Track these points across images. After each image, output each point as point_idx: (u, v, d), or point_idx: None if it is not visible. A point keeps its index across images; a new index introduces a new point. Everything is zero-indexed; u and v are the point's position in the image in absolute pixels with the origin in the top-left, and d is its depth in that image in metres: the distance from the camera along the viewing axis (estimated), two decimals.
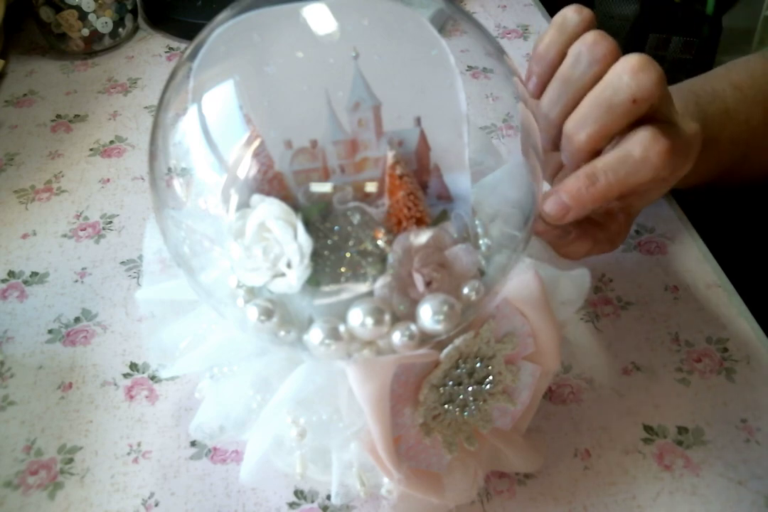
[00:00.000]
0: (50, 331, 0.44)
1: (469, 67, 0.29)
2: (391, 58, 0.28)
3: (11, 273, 0.48)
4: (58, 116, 0.62)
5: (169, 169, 0.29)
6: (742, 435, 0.38)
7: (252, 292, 0.28)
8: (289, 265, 0.26)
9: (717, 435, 0.38)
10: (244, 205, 0.27)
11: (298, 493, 0.36)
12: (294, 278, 0.26)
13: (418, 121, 0.27)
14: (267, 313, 0.27)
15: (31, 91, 0.65)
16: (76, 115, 0.62)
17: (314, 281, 0.26)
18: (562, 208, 0.33)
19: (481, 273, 0.28)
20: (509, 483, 0.36)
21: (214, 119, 0.27)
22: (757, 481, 0.36)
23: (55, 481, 0.37)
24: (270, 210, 0.26)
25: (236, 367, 0.31)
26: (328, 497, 0.36)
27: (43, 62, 0.69)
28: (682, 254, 0.47)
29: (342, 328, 0.26)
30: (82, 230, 0.51)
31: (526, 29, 0.70)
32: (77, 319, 0.45)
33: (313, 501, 0.36)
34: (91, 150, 0.58)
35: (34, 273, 0.48)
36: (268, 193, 0.27)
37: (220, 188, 0.27)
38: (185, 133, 0.28)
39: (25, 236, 0.51)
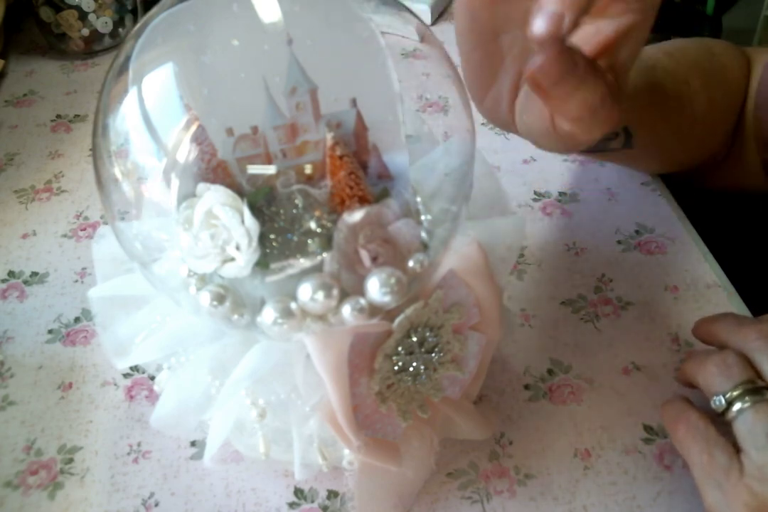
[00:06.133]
0: (50, 331, 0.45)
1: None
2: (324, 43, 0.28)
3: (11, 273, 0.48)
4: (58, 116, 0.62)
5: (114, 168, 0.29)
6: None
7: (203, 280, 0.29)
8: (238, 249, 0.27)
9: None
10: (190, 194, 0.27)
11: (298, 493, 0.36)
12: (243, 261, 0.27)
13: (354, 102, 0.28)
14: (219, 298, 0.28)
15: (31, 91, 0.65)
16: (76, 115, 0.62)
17: (263, 264, 0.27)
18: (555, 19, 0.27)
19: (425, 246, 0.29)
20: (509, 483, 0.36)
21: (155, 112, 0.28)
22: None
23: (55, 481, 0.37)
24: (216, 197, 0.27)
25: (192, 356, 0.32)
26: (328, 497, 0.36)
27: (43, 62, 0.69)
28: (682, 254, 0.47)
29: (293, 306, 0.27)
30: (82, 230, 0.51)
31: None
32: (77, 319, 0.45)
33: (313, 501, 0.36)
34: (91, 150, 0.58)
35: (34, 274, 0.48)
36: (213, 182, 0.27)
37: (164, 179, 0.28)
38: (125, 127, 0.29)
39: (25, 236, 0.51)
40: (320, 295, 0.27)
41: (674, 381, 0.40)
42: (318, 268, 0.27)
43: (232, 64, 0.28)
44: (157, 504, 0.36)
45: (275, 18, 0.27)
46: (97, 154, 0.30)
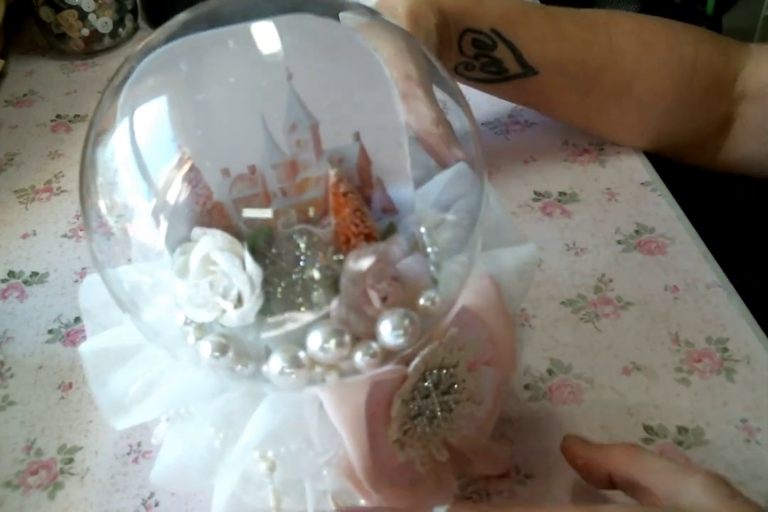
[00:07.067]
0: (50, 331, 0.44)
1: None
2: (326, 76, 0.27)
3: (11, 273, 0.48)
4: (58, 116, 0.62)
5: (103, 210, 0.28)
6: (742, 435, 0.38)
7: (202, 328, 0.27)
8: (240, 297, 0.25)
9: (717, 435, 0.38)
10: (184, 239, 0.26)
11: None
12: (247, 310, 0.25)
13: (357, 136, 0.27)
14: (221, 349, 0.26)
15: (31, 91, 0.65)
16: (76, 115, 0.62)
17: (267, 310, 0.26)
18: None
19: (434, 281, 0.28)
20: (509, 483, 0.36)
21: (148, 154, 0.27)
22: (757, 481, 0.36)
23: (55, 481, 0.37)
24: (213, 242, 0.26)
25: (193, 408, 0.30)
26: None
27: (43, 62, 0.69)
28: (682, 254, 0.47)
29: (302, 354, 0.26)
30: (82, 230, 0.51)
31: None
32: (77, 319, 0.45)
33: None
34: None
35: (34, 274, 0.48)
36: (209, 225, 0.26)
37: (160, 225, 0.26)
38: (119, 171, 0.28)
39: (25, 236, 0.51)
40: (332, 344, 0.25)
41: (674, 382, 0.40)
42: (326, 314, 0.26)
43: (228, 102, 0.27)
44: (157, 504, 0.36)
45: (274, 52, 0.27)
46: (83, 196, 0.29)
